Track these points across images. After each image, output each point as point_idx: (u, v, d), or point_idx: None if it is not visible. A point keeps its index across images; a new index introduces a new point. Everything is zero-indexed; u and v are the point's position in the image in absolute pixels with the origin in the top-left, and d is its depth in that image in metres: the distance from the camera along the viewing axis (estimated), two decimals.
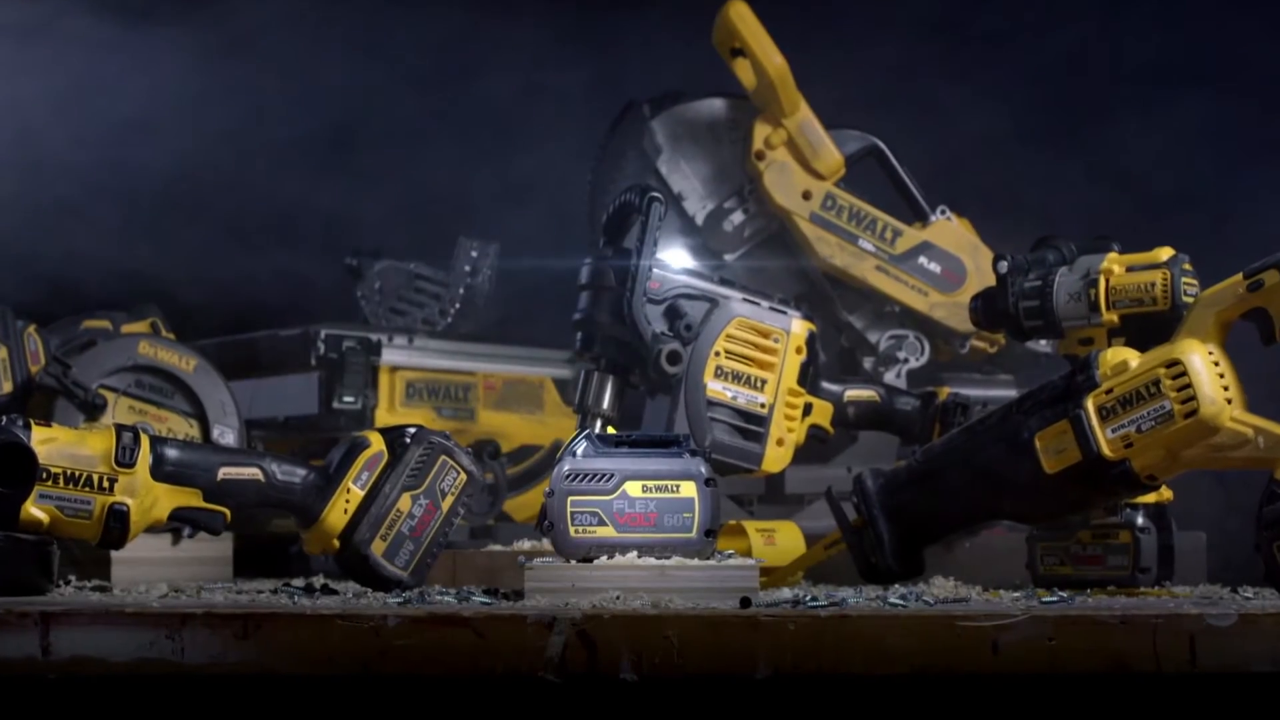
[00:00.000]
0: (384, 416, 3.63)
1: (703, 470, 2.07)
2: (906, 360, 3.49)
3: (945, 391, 2.85)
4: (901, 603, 2.02)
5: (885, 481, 2.39)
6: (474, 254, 3.88)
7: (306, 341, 3.62)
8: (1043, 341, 3.50)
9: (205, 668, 1.85)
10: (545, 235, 3.87)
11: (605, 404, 2.60)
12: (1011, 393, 3.38)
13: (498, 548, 2.77)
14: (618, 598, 1.96)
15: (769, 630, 1.82)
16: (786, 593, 2.22)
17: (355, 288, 3.96)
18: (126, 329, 3.23)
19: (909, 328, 3.51)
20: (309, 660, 1.85)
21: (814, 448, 2.85)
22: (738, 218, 3.50)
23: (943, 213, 3.52)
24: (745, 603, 1.97)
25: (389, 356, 3.66)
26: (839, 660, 1.83)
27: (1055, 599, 2.15)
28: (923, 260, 3.49)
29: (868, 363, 3.54)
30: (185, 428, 3.16)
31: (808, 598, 2.03)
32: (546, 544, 2.08)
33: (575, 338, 2.63)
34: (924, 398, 2.84)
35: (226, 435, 3.17)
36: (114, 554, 2.86)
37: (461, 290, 3.87)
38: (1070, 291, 2.57)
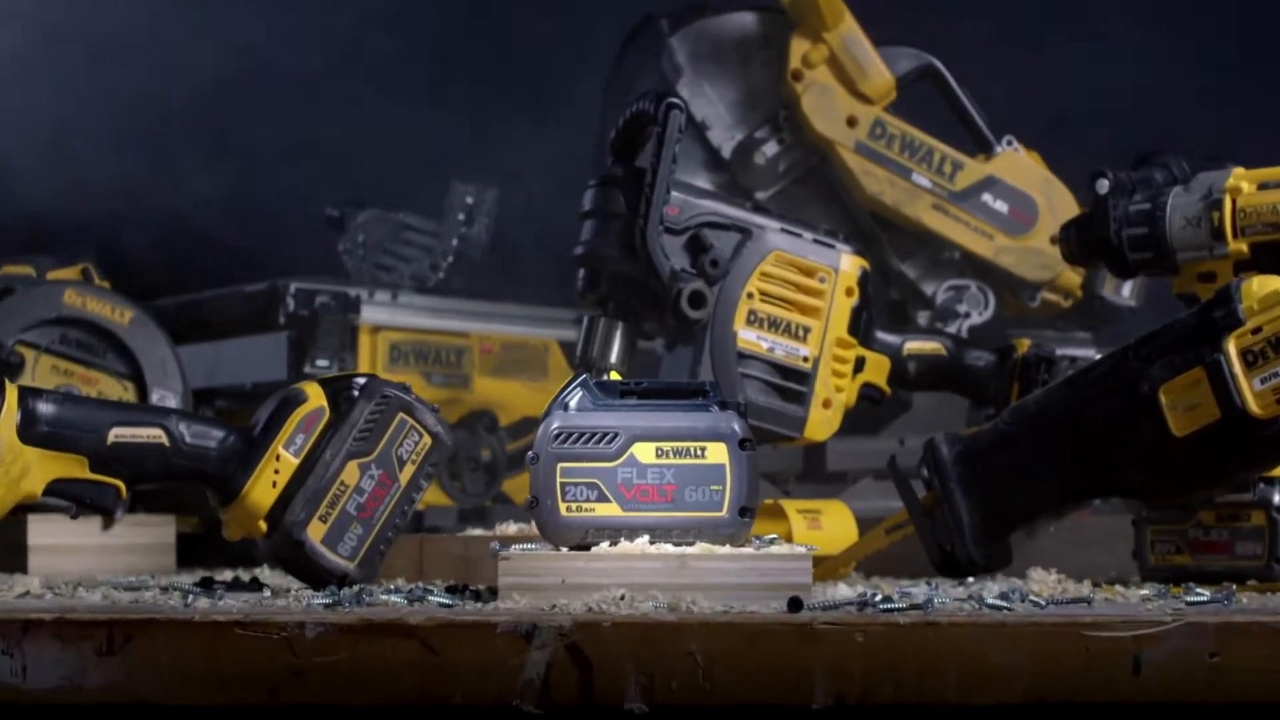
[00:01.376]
0: None
1: (736, 428, 1.65)
2: (968, 314, 3.16)
3: (1025, 344, 2.50)
4: (1004, 604, 1.55)
5: (964, 449, 2.01)
6: (469, 200, 3.62)
7: (274, 297, 3.34)
8: (1125, 291, 3.22)
9: (55, 695, 1.43)
10: (551, 177, 3.57)
11: (613, 356, 2.28)
12: (1090, 352, 3.11)
13: (478, 532, 2.29)
14: (622, 597, 1.55)
15: (830, 643, 1.43)
16: (845, 590, 1.74)
17: (337, 241, 3.71)
18: (53, 276, 2.90)
19: (970, 277, 3.18)
20: (196, 684, 1.42)
21: (858, 417, 2.55)
22: (771, 149, 3.18)
23: (1009, 143, 3.18)
24: (795, 605, 1.54)
25: (370, 314, 3.40)
26: (925, 685, 1.44)
27: (1206, 598, 1.67)
28: (987, 198, 3.15)
29: (922, 318, 3.21)
30: (119, 391, 2.82)
31: (876, 598, 1.55)
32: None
33: (577, 276, 2.33)
34: (1000, 352, 2.50)
35: (168, 400, 2.85)
36: (31, 542, 2.60)
37: (455, 241, 3.60)
38: (1187, 215, 2.24)
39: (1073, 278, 3.13)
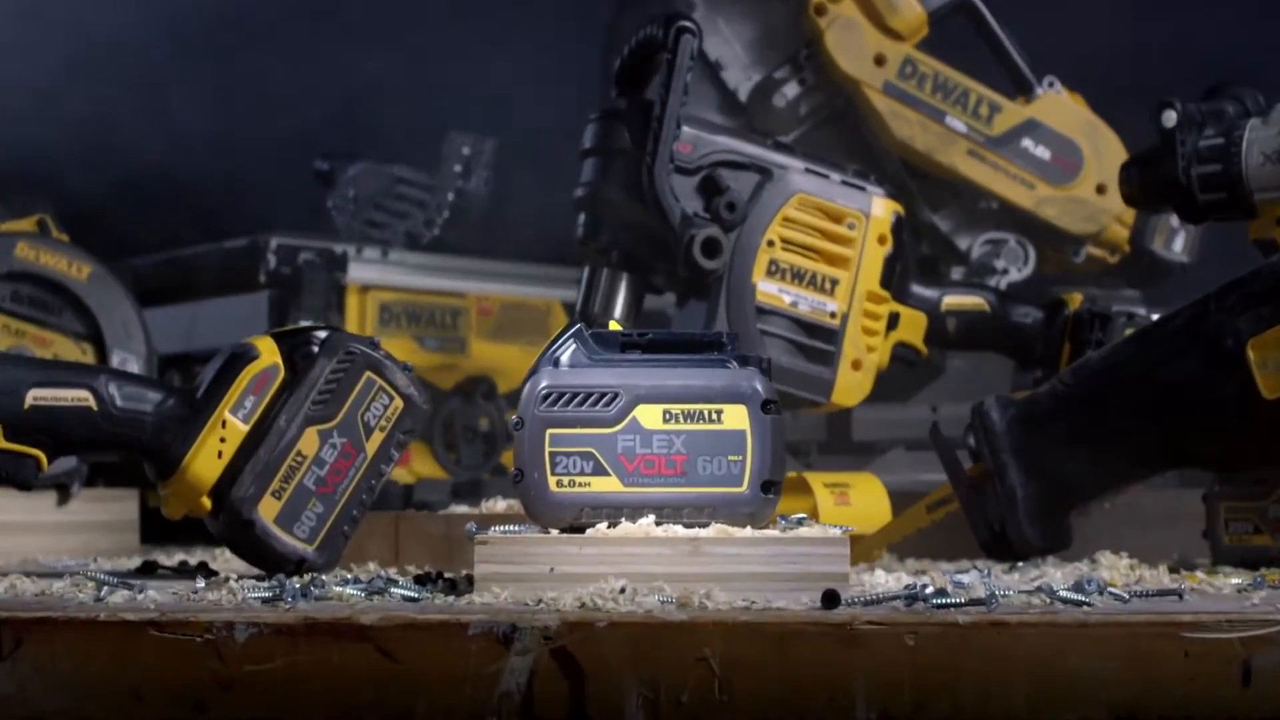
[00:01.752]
0: None
1: (759, 388, 1.42)
2: (1006, 271, 2.95)
3: (1077, 299, 2.32)
4: (1079, 597, 1.29)
5: (1018, 414, 1.86)
6: (466, 151, 3.46)
7: (254, 254, 3.19)
8: (1177, 246, 3.01)
9: None
10: (553, 127, 3.27)
11: (616, 311, 2.12)
12: (1139, 312, 2.79)
13: (461, 509, 2.05)
14: (622, 590, 1.31)
15: (874, 648, 1.19)
16: (884, 579, 1.48)
17: (326, 196, 3.51)
18: (4, 228, 2.65)
19: (1009, 230, 2.97)
20: (104, 698, 1.17)
21: (885, 382, 2.35)
22: (791, 91, 2.96)
23: (1051, 84, 2.96)
24: (831, 599, 1.28)
25: (358, 273, 3.24)
26: (989, 698, 1.19)
27: None
28: (1027, 143, 2.92)
29: (956, 274, 3.00)
30: (76, 353, 2.58)
31: (928, 589, 1.29)
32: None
33: (577, 221, 2.16)
34: (1049, 308, 2.33)
35: (130, 364, 2.59)
36: None
37: (451, 195, 3.43)
38: (1266, 150, 2.05)
39: (1120, 231, 2.95)
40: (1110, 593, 1.33)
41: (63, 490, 2.47)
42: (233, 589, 1.30)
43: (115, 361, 2.56)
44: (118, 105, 3.62)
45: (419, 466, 3.17)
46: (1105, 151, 2.88)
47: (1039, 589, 1.32)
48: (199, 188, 3.64)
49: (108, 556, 2.20)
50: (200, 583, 1.34)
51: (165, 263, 3.35)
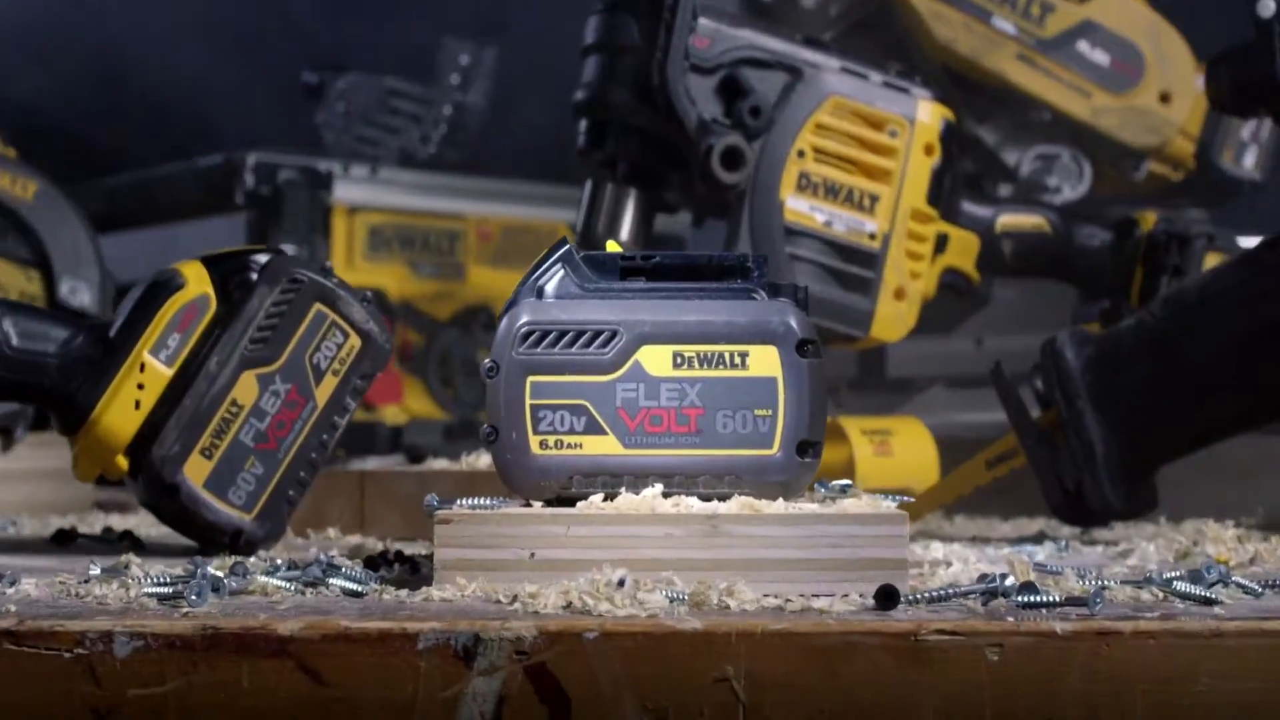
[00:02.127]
0: (340, 274, 2.94)
1: (793, 324, 1.14)
2: (1059, 189, 2.76)
3: (1151, 219, 2.12)
4: (1202, 591, 1.02)
5: (1098, 352, 1.65)
6: (464, 61, 3.43)
7: (231, 173, 3.09)
8: (1248, 162, 2.79)
9: None
10: (561, 32, 3.15)
11: (624, 231, 1.95)
12: (1217, 234, 2.65)
13: (441, 464, 1.80)
14: (621, 583, 1.02)
15: (947, 664, 0.92)
16: (942, 555, 1.24)
17: (315, 111, 3.46)
18: None
19: (1062, 143, 2.77)
20: None
21: (927, 313, 2.19)
22: None
23: None
24: (888, 597, 1.00)
25: (344, 192, 3.13)
26: None
27: None
28: (1083, 46, 2.72)
29: (1004, 193, 2.80)
30: (21, 281, 2.35)
31: (1008, 580, 1.01)
32: None
33: (578, 128, 2.00)
34: (1119, 228, 2.13)
35: (80, 292, 2.36)
36: None
37: (448, 109, 3.40)
38: None
39: (1184, 145, 2.76)
40: (1237, 584, 1.06)
41: (5, 435, 2.26)
42: (130, 580, 1.03)
43: (64, 290, 2.34)
44: (73, 6, 3.50)
45: (413, 404, 3.03)
46: (1170, 56, 2.68)
47: (1147, 579, 1.05)
48: (169, 99, 3.53)
49: (39, 514, 1.96)
50: (94, 569, 1.08)
51: (137, 183, 3.25)
